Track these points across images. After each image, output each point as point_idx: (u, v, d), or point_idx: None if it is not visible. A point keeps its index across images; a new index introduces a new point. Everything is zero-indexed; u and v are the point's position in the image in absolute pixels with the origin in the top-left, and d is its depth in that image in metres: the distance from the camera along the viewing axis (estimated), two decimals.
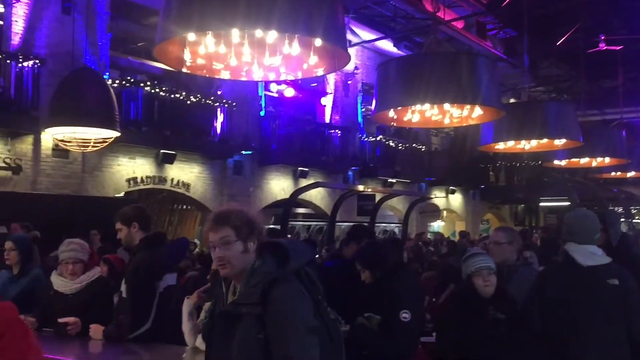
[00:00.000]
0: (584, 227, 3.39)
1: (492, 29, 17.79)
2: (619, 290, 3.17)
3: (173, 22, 5.00)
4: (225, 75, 6.52)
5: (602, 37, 15.57)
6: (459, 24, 15.90)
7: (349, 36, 16.62)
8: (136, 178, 12.08)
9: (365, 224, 12.62)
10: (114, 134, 8.61)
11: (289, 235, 13.28)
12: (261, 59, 6.03)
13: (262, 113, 14.75)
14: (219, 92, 13.14)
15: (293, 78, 6.93)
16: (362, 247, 3.84)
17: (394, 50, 17.16)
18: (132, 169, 12.02)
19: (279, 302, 2.07)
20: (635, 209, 18.62)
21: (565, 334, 3.17)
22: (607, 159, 12.64)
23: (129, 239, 3.56)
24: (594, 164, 13.08)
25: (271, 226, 15.75)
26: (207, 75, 6.59)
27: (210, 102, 12.73)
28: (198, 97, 12.41)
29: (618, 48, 16.07)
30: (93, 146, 8.66)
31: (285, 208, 11.17)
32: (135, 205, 3.74)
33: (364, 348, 3.24)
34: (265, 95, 14.94)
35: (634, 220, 11.47)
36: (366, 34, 16.90)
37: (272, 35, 5.25)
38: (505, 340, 3.16)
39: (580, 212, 3.81)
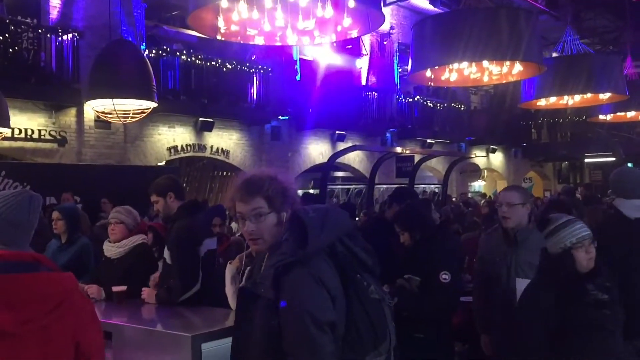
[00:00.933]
0: (630, 182, 3.65)
1: None
2: None
3: None
4: (259, 41, 6.52)
5: None
6: None
7: None
8: (176, 146, 12.28)
9: (404, 185, 12.58)
10: (151, 104, 8.74)
11: (334, 199, 13.35)
12: (295, 23, 6.01)
13: (297, 78, 14.71)
14: (253, 58, 13.12)
15: (327, 41, 6.89)
16: (401, 209, 3.83)
17: (430, 7, 16.79)
18: (172, 137, 12.21)
19: (288, 291, 1.85)
20: None
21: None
22: None
23: (167, 209, 3.64)
24: None
25: (309, 191, 15.87)
26: (242, 42, 6.62)
27: (245, 68, 12.75)
28: (234, 64, 12.45)
29: None
30: (132, 117, 8.80)
31: (323, 172, 11.21)
32: (167, 176, 3.79)
33: (404, 309, 3.25)
34: (300, 59, 14.87)
35: None
36: None
37: None
38: (608, 325, 2.71)
39: (625, 169, 4.11)
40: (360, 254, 2.02)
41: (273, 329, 1.88)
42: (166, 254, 3.48)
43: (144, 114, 8.89)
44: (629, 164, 19.24)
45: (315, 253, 1.91)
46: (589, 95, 9.67)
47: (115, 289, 3.53)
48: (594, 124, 15.73)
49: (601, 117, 12.85)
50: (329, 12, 5.61)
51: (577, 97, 9.89)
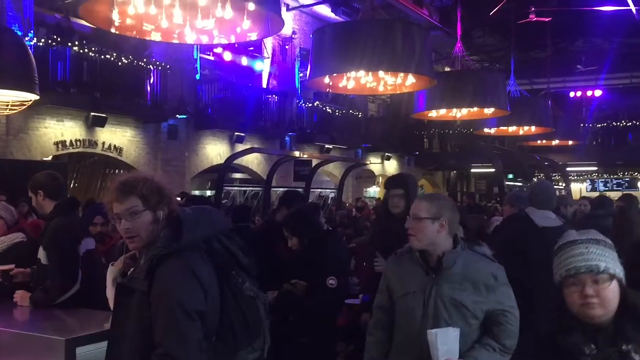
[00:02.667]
0: (543, 195, 4.10)
1: None
2: None
3: None
4: (156, 37, 6.37)
5: (532, 9, 16.02)
6: None
7: (287, 0, 16.42)
8: (65, 141, 11.67)
9: (301, 189, 12.75)
10: (32, 96, 8.24)
11: (225, 201, 13.24)
12: (193, 21, 5.93)
13: (197, 76, 14.48)
14: (150, 55, 12.74)
15: (226, 42, 6.84)
16: (290, 213, 3.88)
17: (332, 15, 17.10)
18: (60, 131, 11.59)
19: (160, 281, 1.94)
20: (556, 175, 19.54)
21: (520, 279, 3.32)
22: (534, 128, 13.19)
23: (38, 207, 3.53)
24: (521, 132, 13.63)
25: (206, 192, 15.66)
26: (138, 37, 6.43)
27: (143, 64, 12.37)
28: (130, 59, 12.03)
29: (547, 20, 16.59)
30: (11, 109, 8.25)
31: (220, 173, 11.10)
32: (44, 173, 3.62)
33: (290, 313, 3.28)
34: (201, 58, 14.64)
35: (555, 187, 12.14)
36: None
37: None
38: None
39: (543, 183, 4.72)
40: (237, 252, 2.13)
41: (146, 321, 1.93)
42: (41, 253, 3.32)
43: (24, 106, 8.37)
44: (510, 175, 20.66)
45: (189, 246, 2.01)
46: (475, 109, 10.26)
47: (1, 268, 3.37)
48: (479, 137, 16.70)
49: (486, 130, 13.65)
50: (228, 13, 5.59)
51: (465, 111, 10.47)
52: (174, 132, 13.81)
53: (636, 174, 23.16)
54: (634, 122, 20.71)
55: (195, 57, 14.33)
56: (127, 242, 2.10)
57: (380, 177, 21.84)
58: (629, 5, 15.57)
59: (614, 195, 22.65)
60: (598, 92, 23.71)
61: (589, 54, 22.38)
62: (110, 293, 2.84)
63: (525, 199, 4.58)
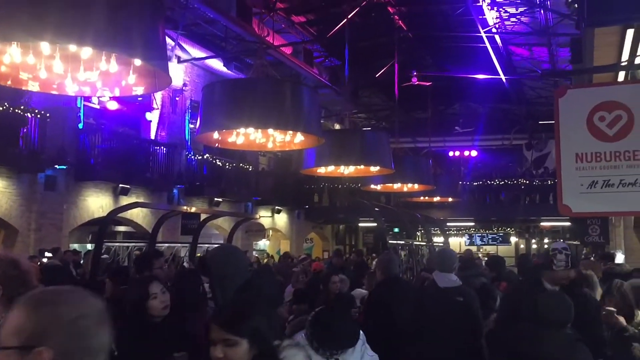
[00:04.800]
0: (446, 260, 4.77)
1: (319, 57, 18.64)
2: (463, 305, 4.47)
3: None
4: (34, 87, 6.03)
5: (415, 73, 17.08)
6: (288, 50, 16.42)
7: (179, 52, 16.36)
8: None
9: (187, 244, 12.39)
10: None
11: (106, 256, 12.55)
12: (75, 73, 5.70)
13: (80, 125, 13.88)
14: (26, 100, 12.09)
15: (110, 95, 6.64)
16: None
17: (224, 69, 17.20)
18: None
19: None
20: (435, 230, 20.47)
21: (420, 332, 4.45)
22: (416, 185, 13.82)
23: None
24: (405, 189, 14.22)
25: (87, 245, 14.81)
26: (12, 86, 6.08)
27: (20, 111, 11.69)
28: (6, 105, 11.34)
29: (428, 84, 17.73)
30: None
31: (101, 228, 10.51)
32: None
33: None
34: (84, 106, 14.09)
35: (434, 243, 12.75)
36: (196, 52, 16.75)
37: (87, 51, 4.99)
38: None
39: (444, 250, 5.65)
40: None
41: None
42: None
43: None
44: (395, 229, 21.39)
45: None
46: (361, 166, 10.59)
47: None
48: (367, 192, 17.25)
49: (373, 186, 14.10)
50: (113, 66, 5.44)
51: (352, 168, 10.77)
52: (51, 183, 13.04)
53: (509, 229, 24.86)
54: (506, 181, 22.37)
55: (78, 105, 13.78)
56: None
57: (271, 231, 21.82)
58: (499, 75, 17.02)
59: (490, 248, 24.07)
60: (474, 153, 25.47)
61: (465, 117, 24.11)
62: None
63: (393, 265, 5.29)
